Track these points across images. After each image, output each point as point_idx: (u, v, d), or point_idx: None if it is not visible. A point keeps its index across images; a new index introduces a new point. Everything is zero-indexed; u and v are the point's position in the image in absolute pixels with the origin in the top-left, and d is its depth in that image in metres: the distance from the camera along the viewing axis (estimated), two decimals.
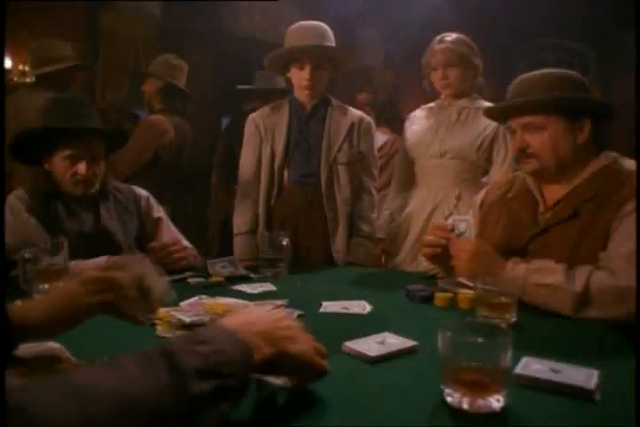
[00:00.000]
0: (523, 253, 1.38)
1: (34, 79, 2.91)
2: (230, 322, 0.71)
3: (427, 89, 2.32)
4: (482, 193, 1.65)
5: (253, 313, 0.77)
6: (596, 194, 1.32)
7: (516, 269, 1.27)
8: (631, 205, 1.25)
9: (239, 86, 3.53)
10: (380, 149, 3.12)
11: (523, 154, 1.41)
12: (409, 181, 2.34)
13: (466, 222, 1.39)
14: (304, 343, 0.74)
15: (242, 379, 0.63)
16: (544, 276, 1.24)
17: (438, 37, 2.20)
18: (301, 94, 2.06)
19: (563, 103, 1.37)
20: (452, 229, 1.38)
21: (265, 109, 2.14)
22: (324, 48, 1.98)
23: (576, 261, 1.26)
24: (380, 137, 3.31)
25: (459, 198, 2.11)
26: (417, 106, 2.42)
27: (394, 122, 3.55)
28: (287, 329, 0.74)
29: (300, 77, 2.00)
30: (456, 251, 1.36)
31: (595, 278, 1.19)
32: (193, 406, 0.55)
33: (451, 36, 2.17)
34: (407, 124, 2.36)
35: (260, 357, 0.67)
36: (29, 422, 0.47)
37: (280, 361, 0.71)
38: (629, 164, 1.37)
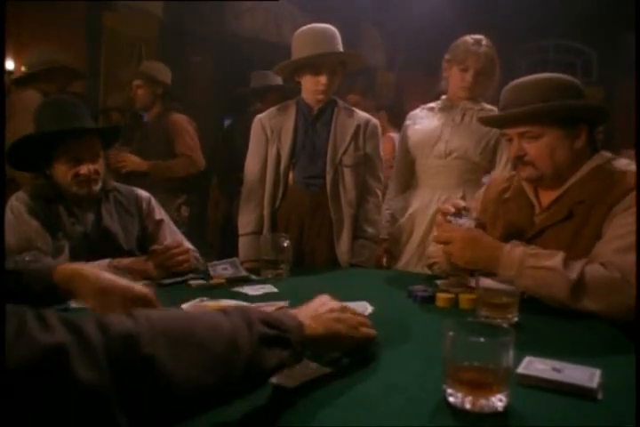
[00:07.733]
0: None
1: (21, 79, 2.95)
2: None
3: (442, 85, 2.27)
4: (481, 192, 1.66)
5: (304, 307, 0.94)
6: (589, 195, 1.32)
7: (514, 252, 1.28)
8: (621, 206, 1.25)
9: (238, 90, 3.57)
10: None
11: (520, 161, 1.41)
12: (409, 181, 2.34)
13: (468, 217, 1.39)
14: (345, 322, 0.92)
15: (297, 339, 0.79)
16: (541, 259, 1.24)
17: (473, 38, 2.13)
18: (313, 98, 2.05)
19: (560, 113, 1.36)
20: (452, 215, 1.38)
21: (272, 111, 2.13)
22: (341, 55, 1.99)
23: None
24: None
25: (463, 199, 2.09)
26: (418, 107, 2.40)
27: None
28: (331, 312, 0.92)
29: (315, 83, 1.99)
30: (445, 238, 1.37)
31: (589, 268, 1.20)
32: (260, 342, 0.72)
33: (486, 40, 2.12)
34: (408, 122, 2.34)
35: (311, 332, 0.84)
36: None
37: (329, 338, 0.88)
38: (622, 163, 1.37)
